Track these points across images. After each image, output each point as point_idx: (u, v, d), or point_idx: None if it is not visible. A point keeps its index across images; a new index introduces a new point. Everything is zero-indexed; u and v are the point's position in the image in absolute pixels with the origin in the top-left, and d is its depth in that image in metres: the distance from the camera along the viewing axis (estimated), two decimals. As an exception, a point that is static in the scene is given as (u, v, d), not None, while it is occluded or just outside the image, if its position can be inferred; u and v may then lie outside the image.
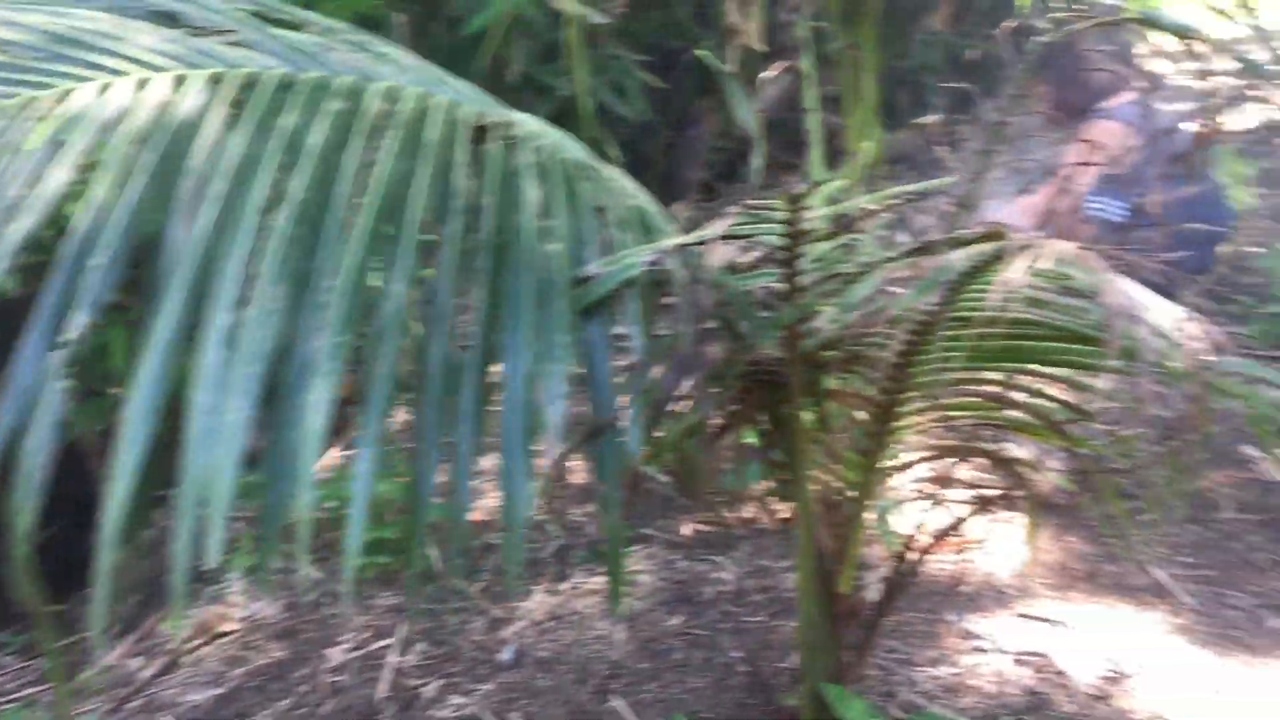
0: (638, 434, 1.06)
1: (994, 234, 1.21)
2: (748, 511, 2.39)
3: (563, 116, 3.93)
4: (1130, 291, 1.07)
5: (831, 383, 1.53)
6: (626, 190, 1.27)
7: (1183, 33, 1.69)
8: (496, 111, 1.25)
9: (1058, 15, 1.78)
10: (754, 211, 1.10)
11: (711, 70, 2.41)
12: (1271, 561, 2.23)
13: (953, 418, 1.58)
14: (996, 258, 1.13)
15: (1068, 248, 1.09)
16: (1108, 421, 1.61)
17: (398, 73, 1.24)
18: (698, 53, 2.95)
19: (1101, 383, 1.49)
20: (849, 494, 1.61)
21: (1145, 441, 1.58)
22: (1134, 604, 2.14)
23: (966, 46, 5.19)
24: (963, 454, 1.67)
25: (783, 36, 2.56)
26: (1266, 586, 2.17)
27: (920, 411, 1.55)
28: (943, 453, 1.68)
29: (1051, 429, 1.50)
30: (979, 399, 1.54)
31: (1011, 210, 3.10)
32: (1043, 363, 1.42)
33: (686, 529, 2.45)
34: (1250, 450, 2.59)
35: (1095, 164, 3.15)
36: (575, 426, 1.12)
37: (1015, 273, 1.06)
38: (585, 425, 1.11)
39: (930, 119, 3.99)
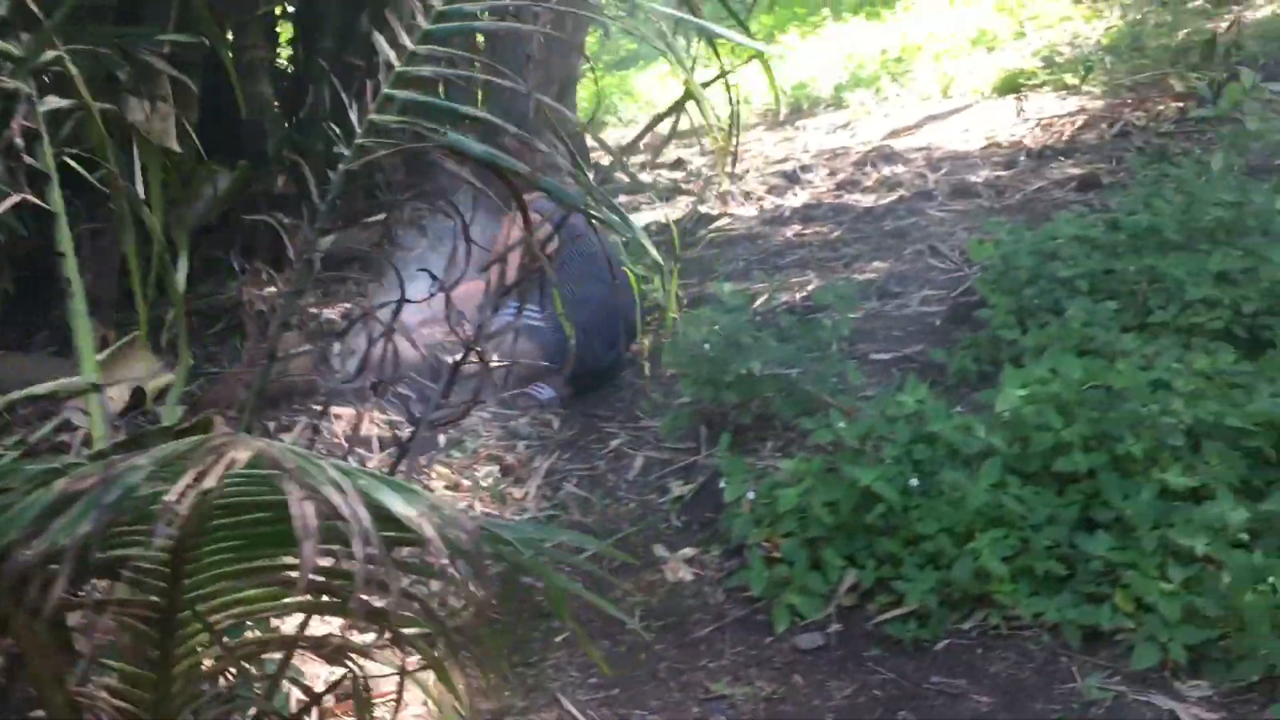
0: None
1: (202, 424, 1.02)
2: None
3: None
4: (322, 488, 0.91)
5: (94, 593, 1.26)
6: None
7: (493, 163, 1.63)
8: None
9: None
10: None
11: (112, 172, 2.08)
12: (672, 670, 2.23)
13: (256, 611, 1.37)
14: (184, 460, 0.93)
15: (259, 446, 0.92)
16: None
17: None
18: (66, 158, 2.58)
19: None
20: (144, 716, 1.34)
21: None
22: (540, 743, 2.04)
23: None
24: (293, 644, 1.46)
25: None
26: (668, 699, 2.15)
27: (215, 610, 1.32)
28: (267, 645, 1.47)
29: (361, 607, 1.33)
30: (277, 585, 1.34)
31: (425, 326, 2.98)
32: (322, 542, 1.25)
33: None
34: (660, 550, 2.63)
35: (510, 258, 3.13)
36: None
37: (177, 494, 0.87)
38: None
39: (376, 219, 3.86)
